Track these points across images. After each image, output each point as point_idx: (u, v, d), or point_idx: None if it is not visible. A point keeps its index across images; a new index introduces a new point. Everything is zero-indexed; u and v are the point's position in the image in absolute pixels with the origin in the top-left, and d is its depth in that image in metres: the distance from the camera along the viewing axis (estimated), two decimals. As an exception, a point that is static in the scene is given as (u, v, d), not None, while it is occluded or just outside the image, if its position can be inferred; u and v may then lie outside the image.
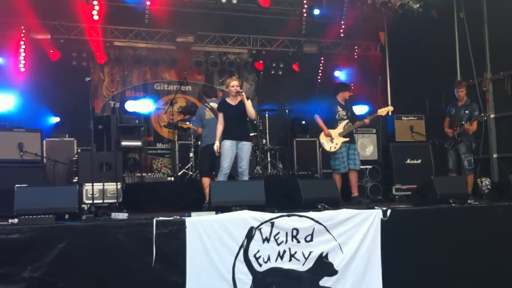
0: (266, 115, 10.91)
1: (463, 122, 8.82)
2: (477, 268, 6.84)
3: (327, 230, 6.43)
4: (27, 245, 5.38)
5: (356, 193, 8.49)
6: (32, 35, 10.92)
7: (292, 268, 6.21)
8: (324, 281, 6.29)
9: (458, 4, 10.68)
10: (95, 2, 10.50)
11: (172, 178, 10.10)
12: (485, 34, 10.25)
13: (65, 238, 5.54)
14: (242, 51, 13.05)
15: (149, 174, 10.89)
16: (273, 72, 13.16)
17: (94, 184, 7.15)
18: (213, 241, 5.96)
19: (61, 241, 5.51)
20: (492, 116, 10.13)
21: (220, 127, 7.54)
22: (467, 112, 8.91)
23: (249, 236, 6.11)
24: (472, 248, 6.86)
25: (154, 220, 5.84)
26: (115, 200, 7.46)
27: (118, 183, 7.58)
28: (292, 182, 7.60)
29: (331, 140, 8.38)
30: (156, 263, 5.74)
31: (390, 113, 9.45)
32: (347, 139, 8.39)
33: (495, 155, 10.14)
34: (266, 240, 6.19)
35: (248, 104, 7.55)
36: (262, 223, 6.18)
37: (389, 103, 12.31)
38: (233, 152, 7.43)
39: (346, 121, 8.46)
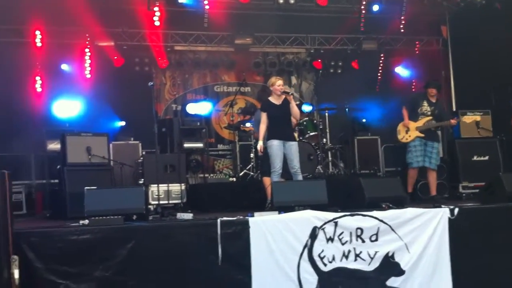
0: (326, 114, 10.82)
1: None
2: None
3: (393, 230, 6.36)
4: (98, 245, 5.60)
5: (434, 192, 8.23)
6: (97, 42, 11.24)
7: (357, 268, 6.18)
8: (392, 281, 6.23)
9: (523, -5, 10.25)
10: (156, 8, 10.70)
11: (234, 179, 10.19)
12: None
13: (134, 238, 5.72)
14: (300, 50, 12.99)
15: (212, 175, 11.02)
16: (332, 70, 13.03)
17: (159, 185, 7.29)
18: (277, 241, 6.00)
19: (130, 241, 5.69)
20: None
21: (263, 127, 7.51)
22: None
23: (313, 235, 6.12)
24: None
25: (219, 220, 5.93)
26: (179, 201, 7.59)
27: (182, 184, 7.71)
28: (355, 181, 7.54)
29: (406, 131, 8.20)
30: (222, 262, 5.83)
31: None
32: (422, 135, 8.16)
33: None
34: (330, 239, 6.18)
35: (294, 104, 7.53)
36: (325, 223, 6.18)
37: (453, 98, 11.96)
38: (282, 152, 7.39)
39: (429, 118, 8.22)
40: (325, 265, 6.09)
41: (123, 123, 10.92)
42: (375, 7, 11.46)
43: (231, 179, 10.37)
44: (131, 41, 11.60)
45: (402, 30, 12.08)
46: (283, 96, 7.55)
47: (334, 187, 7.46)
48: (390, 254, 6.25)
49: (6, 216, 5.02)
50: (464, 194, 9.14)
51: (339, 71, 13.04)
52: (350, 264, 6.16)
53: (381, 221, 6.34)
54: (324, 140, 10.31)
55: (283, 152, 7.43)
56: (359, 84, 12.38)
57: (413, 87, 12.74)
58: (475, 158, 9.38)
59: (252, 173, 9.79)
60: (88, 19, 10.42)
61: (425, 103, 8.26)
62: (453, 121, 8.29)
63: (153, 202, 7.35)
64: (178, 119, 10.00)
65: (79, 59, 11.24)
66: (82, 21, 10.47)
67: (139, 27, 11.40)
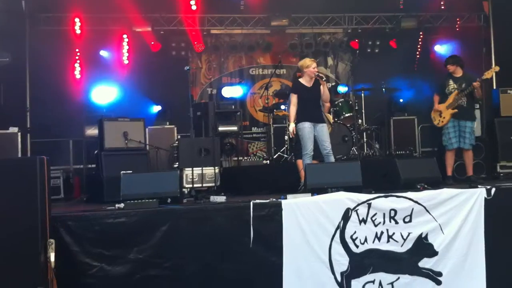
0: (362, 94, 10.70)
1: None
2: None
3: (427, 211, 6.28)
4: (133, 229, 5.72)
5: (470, 172, 8.08)
6: (134, 28, 11.38)
7: (390, 250, 6.14)
8: (424, 262, 6.17)
9: None
10: (192, -8, 10.76)
11: (268, 161, 10.22)
12: None
13: (168, 221, 5.82)
14: (337, 30, 12.83)
15: (245, 158, 11.06)
16: (369, 50, 12.82)
17: (194, 168, 7.38)
18: (309, 223, 6.01)
19: (164, 224, 5.80)
20: None
21: (293, 109, 7.45)
22: None
23: (346, 217, 6.10)
24: None
25: (251, 203, 5.98)
26: (213, 184, 7.67)
27: (216, 168, 7.78)
28: (390, 162, 7.45)
29: (440, 115, 8.06)
30: (254, 244, 5.90)
31: (494, 75, 8.81)
32: (455, 110, 7.99)
33: None
34: (363, 221, 6.14)
35: (326, 87, 7.49)
36: (358, 204, 6.15)
37: (494, 75, 11.61)
38: (313, 134, 7.37)
39: (456, 92, 8.05)
40: (357, 246, 6.07)
41: (159, 108, 11.08)
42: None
43: (264, 161, 10.40)
44: (168, 26, 11.71)
45: (442, 7, 11.78)
46: (314, 78, 7.50)
47: (369, 168, 7.40)
48: (423, 235, 6.18)
49: (44, 201, 5.15)
50: (502, 174, 8.96)
51: (377, 50, 12.81)
52: (383, 245, 6.12)
53: (416, 202, 6.27)
54: (360, 121, 10.21)
55: (314, 134, 7.40)
56: (397, 64, 12.16)
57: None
58: (514, 137, 9.15)
59: (286, 156, 9.80)
60: (125, 5, 10.58)
61: (451, 82, 8.12)
62: (475, 84, 8.01)
63: (187, 186, 7.44)
64: (213, 103, 10.05)
65: (117, 45, 11.43)
66: (120, 7, 10.62)
67: (175, 11, 11.49)
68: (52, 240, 5.09)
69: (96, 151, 8.14)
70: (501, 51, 11.73)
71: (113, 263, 5.54)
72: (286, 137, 9.87)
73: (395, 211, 6.21)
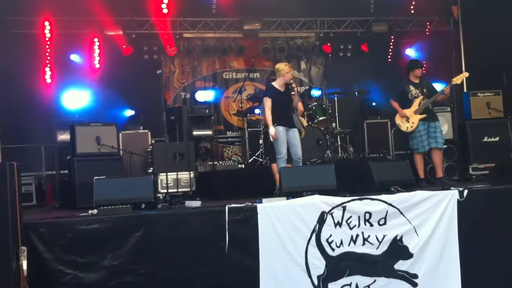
0: (335, 98, 10.77)
1: None
2: None
3: (401, 213, 6.34)
4: (107, 235, 5.66)
5: (440, 174, 8.13)
6: (105, 31, 11.24)
7: (366, 252, 6.18)
8: (399, 264, 6.22)
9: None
10: (164, -5, 10.68)
11: (243, 166, 10.20)
12: None
13: (142, 226, 5.78)
14: (310, 34, 12.89)
15: (221, 162, 11.03)
16: (341, 54, 12.92)
17: (168, 173, 7.32)
18: (285, 227, 6.02)
19: (138, 229, 5.75)
20: None
21: (269, 112, 7.46)
22: None
23: (321, 220, 6.12)
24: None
25: (227, 207, 5.97)
26: (188, 189, 7.62)
27: (191, 172, 7.73)
28: (364, 165, 7.51)
29: (407, 120, 8.10)
30: (229, 248, 5.88)
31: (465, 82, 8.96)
32: (424, 115, 8.08)
33: None
34: (338, 224, 6.18)
35: (297, 96, 7.64)
36: (333, 208, 6.18)
37: (464, 79, 11.81)
38: (285, 138, 7.42)
39: (421, 97, 8.13)
40: (333, 249, 6.09)
41: (132, 112, 10.96)
42: (386, -12, 11.31)
43: (240, 166, 10.38)
44: (139, 29, 11.62)
45: (412, 11, 11.95)
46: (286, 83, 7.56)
47: (343, 171, 7.43)
48: (398, 238, 6.24)
49: (15, 208, 5.08)
50: (474, 176, 9.02)
51: (349, 54, 12.92)
52: (358, 248, 6.16)
53: (390, 204, 6.32)
54: (333, 124, 10.26)
55: (287, 139, 7.44)
56: (369, 67, 12.31)
57: (423, 69, 12.59)
58: (485, 139, 9.25)
59: (261, 160, 9.79)
60: (96, 8, 10.44)
61: (412, 87, 8.13)
62: (446, 89, 8.12)
63: (162, 191, 7.37)
64: (187, 107, 10.02)
65: (88, 49, 11.27)
66: (91, 10, 10.49)
67: (147, 15, 11.39)
68: (24, 248, 5.02)
69: (68, 157, 8.01)
70: (471, 55, 11.93)
71: (86, 270, 5.48)
72: (261, 141, 9.86)
73: (370, 214, 6.26)
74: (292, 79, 7.58)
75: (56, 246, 5.43)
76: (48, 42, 10.65)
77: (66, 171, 8.37)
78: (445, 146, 8.58)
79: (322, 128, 9.51)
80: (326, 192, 6.40)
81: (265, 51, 12.48)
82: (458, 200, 6.45)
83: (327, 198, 6.24)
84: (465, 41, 12.15)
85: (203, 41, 12.31)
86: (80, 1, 10.03)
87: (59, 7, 10.30)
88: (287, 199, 6.35)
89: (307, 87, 12.55)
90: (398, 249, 6.22)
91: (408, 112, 8.08)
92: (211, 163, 10.33)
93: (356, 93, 10.66)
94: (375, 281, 6.16)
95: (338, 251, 6.10)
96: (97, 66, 11.22)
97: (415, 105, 8.07)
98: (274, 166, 7.72)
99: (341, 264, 6.08)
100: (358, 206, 6.25)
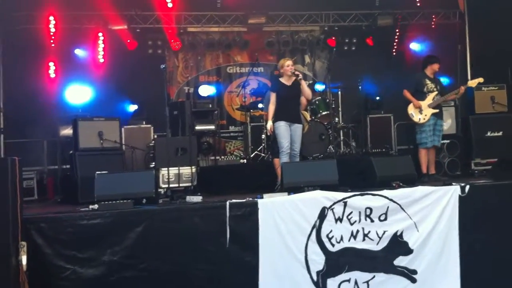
0: (339, 92, 10.73)
1: None
2: None
3: (402, 209, 6.33)
4: (107, 230, 5.69)
5: (433, 170, 8.13)
6: (110, 26, 11.25)
7: (366, 248, 6.19)
8: (399, 260, 6.22)
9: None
10: (169, -11, 10.67)
11: (245, 161, 10.18)
12: None
13: (143, 221, 5.81)
14: (314, 28, 12.82)
15: (223, 157, 10.98)
16: (346, 48, 12.82)
17: (170, 168, 7.32)
18: (285, 222, 6.03)
19: (139, 224, 5.78)
20: None
21: (272, 107, 7.49)
22: None
23: (322, 216, 6.12)
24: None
25: (228, 203, 5.99)
26: (190, 184, 7.61)
27: (193, 167, 7.72)
28: (366, 161, 7.47)
29: (420, 111, 8.07)
30: (230, 244, 5.90)
31: None
32: (437, 110, 8.05)
33: None
34: (339, 220, 6.18)
35: (304, 84, 7.50)
36: (334, 203, 6.19)
37: (469, 72, 11.73)
38: (288, 133, 7.40)
39: (435, 93, 8.09)
40: (333, 245, 6.10)
41: (135, 107, 10.98)
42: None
43: (242, 161, 10.36)
44: (144, 24, 11.59)
45: (418, 4, 11.85)
46: (293, 77, 7.51)
47: (346, 166, 7.41)
48: (398, 233, 6.24)
49: (16, 203, 5.11)
50: (476, 171, 9.00)
51: (353, 48, 12.82)
52: (358, 244, 6.16)
53: (391, 200, 6.32)
54: (336, 119, 10.22)
55: (289, 133, 7.42)
56: (373, 61, 12.22)
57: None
58: (488, 134, 9.20)
59: (263, 155, 9.79)
60: (101, 2, 10.46)
61: (427, 81, 8.14)
62: (461, 90, 8.10)
63: (163, 186, 7.37)
64: (190, 102, 9.97)
65: (93, 43, 11.26)
66: (95, 5, 10.50)
67: (152, 9, 11.38)
68: (24, 243, 5.06)
69: (70, 151, 8.03)
70: (476, 48, 11.85)
71: (86, 265, 5.51)
72: (263, 136, 9.86)
73: (371, 210, 6.26)
74: (293, 70, 7.50)
75: (56, 241, 5.46)
76: (53, 37, 10.65)
77: (68, 166, 8.39)
78: (448, 141, 8.54)
79: (325, 123, 9.48)
80: (327, 187, 6.39)
81: (269, 45, 12.43)
82: (459, 195, 6.43)
83: (328, 193, 6.23)
84: (471, 34, 12.05)
85: (207, 35, 12.29)
86: (84, -5, 10.04)
87: (64, 2, 10.31)
88: (288, 194, 6.34)
89: (311, 81, 12.46)
90: (398, 245, 6.22)
91: (422, 104, 8.04)
92: (213, 158, 10.31)
93: (359, 87, 10.58)
94: (374, 276, 6.17)
95: (338, 247, 6.11)
96: (101, 60, 11.22)
97: (429, 99, 8.05)
98: (276, 161, 7.71)
99: (340, 260, 6.09)
100: (359, 201, 6.25)
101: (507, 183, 6.79)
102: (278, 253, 5.95)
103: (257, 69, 12.33)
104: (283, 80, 7.61)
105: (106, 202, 5.98)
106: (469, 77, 11.12)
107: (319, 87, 11.08)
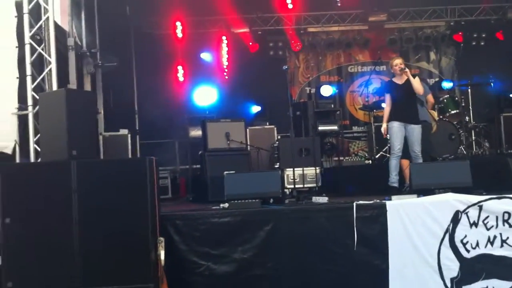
0: (469, 90, 10.23)
1: None
2: None
3: (545, 214, 5.87)
4: (238, 228, 5.83)
5: None
6: (233, 29, 11.61)
7: (504, 255, 5.84)
8: (542, 269, 5.78)
9: None
10: (289, -9, 10.77)
11: (370, 161, 10.01)
12: None
13: (271, 221, 5.88)
14: (439, 23, 12.37)
15: (346, 158, 10.89)
16: (474, 43, 12.25)
17: (295, 169, 7.36)
18: (415, 225, 5.84)
19: (267, 224, 5.86)
20: None
21: (387, 109, 7.32)
22: None
23: (455, 220, 5.86)
24: None
25: (354, 204, 5.89)
26: (314, 185, 7.61)
27: (317, 168, 7.71)
28: (502, 162, 7.08)
29: None
30: (357, 246, 5.80)
31: None
32: None
33: None
34: (474, 224, 5.88)
35: (414, 81, 7.14)
36: (468, 207, 5.90)
37: None
38: (402, 134, 7.15)
39: None
40: (467, 251, 5.81)
41: (258, 108, 11.19)
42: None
43: (367, 161, 10.20)
44: (265, 26, 11.86)
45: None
46: (405, 76, 7.24)
47: (479, 168, 7.03)
48: (541, 241, 5.80)
49: (154, 201, 5.37)
50: None
51: (482, 43, 12.21)
52: (496, 250, 5.82)
53: (532, 204, 5.89)
54: (467, 118, 9.76)
55: (405, 135, 7.19)
56: (504, 56, 11.51)
57: None
58: None
59: (388, 155, 9.53)
60: (224, 7, 10.79)
61: None
62: None
63: (288, 186, 7.42)
64: (312, 102, 10.01)
65: (217, 47, 11.67)
66: (219, 9, 10.85)
67: (272, 11, 11.57)
68: (162, 238, 5.29)
69: (200, 152, 8.35)
70: None
71: (219, 262, 5.68)
72: (388, 136, 9.61)
73: (509, 214, 5.90)
74: (403, 67, 7.22)
75: (190, 238, 5.69)
76: (180, 42, 11.14)
77: (198, 166, 8.71)
78: None
79: (455, 122, 9.09)
80: (460, 190, 6.09)
81: (391, 42, 12.17)
82: None
83: (461, 196, 5.95)
84: None
85: (327, 35, 12.28)
86: (209, 1, 10.37)
87: (189, 7, 10.75)
88: (417, 196, 6.14)
89: (437, 79, 12.03)
90: (542, 253, 5.79)
91: None
92: (336, 158, 10.25)
93: (491, 84, 10.01)
94: (514, 286, 5.79)
95: (473, 253, 5.81)
96: (226, 63, 11.58)
97: None
98: (403, 161, 7.48)
99: (476, 267, 5.79)
100: (496, 205, 5.90)
101: None
102: (408, 257, 5.76)
103: (379, 67, 12.08)
104: (395, 79, 7.39)
105: (236, 201, 6.15)
106: None
107: (447, 84, 10.66)
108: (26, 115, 6.33)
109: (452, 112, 9.32)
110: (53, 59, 6.50)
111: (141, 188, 5.28)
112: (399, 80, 7.36)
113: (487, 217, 5.87)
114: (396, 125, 7.20)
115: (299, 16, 11.89)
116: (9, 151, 6.22)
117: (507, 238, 5.85)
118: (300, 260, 5.85)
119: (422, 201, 5.98)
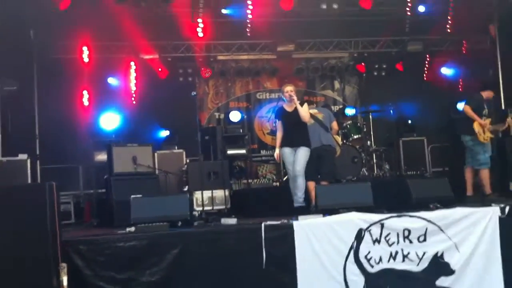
0: (370, 117, 10.70)
1: None
2: None
3: (441, 230, 6.23)
4: (144, 252, 5.69)
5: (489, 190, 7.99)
6: (142, 55, 11.47)
7: (406, 269, 6.08)
8: (441, 281, 6.10)
9: None
10: (199, 20, 10.81)
11: (278, 183, 10.16)
12: None
13: (179, 244, 5.79)
14: (344, 55, 12.87)
15: (255, 180, 11.02)
16: (376, 73, 12.87)
17: (203, 192, 7.35)
18: (322, 244, 5.96)
19: (175, 247, 5.77)
20: None
21: (279, 134, 7.52)
22: None
23: (359, 237, 6.05)
24: None
25: (263, 225, 5.94)
26: (223, 207, 7.64)
27: (226, 190, 7.75)
28: (401, 183, 7.42)
29: (484, 132, 7.96)
30: (266, 265, 5.83)
31: None
32: (492, 136, 7.98)
33: None
34: (377, 241, 6.09)
35: (301, 109, 7.28)
36: (371, 225, 6.11)
37: (502, 97, 11.59)
38: (292, 158, 7.34)
39: (489, 119, 8.04)
40: (372, 266, 6.00)
41: (167, 133, 11.09)
42: (421, 8, 11.17)
43: (274, 183, 10.35)
44: (175, 53, 11.78)
45: (448, 30, 11.81)
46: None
47: (380, 189, 7.36)
48: (439, 254, 6.11)
49: (55, 226, 5.17)
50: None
51: (383, 73, 12.86)
52: (398, 265, 6.05)
53: (429, 221, 6.21)
54: (369, 142, 10.18)
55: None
56: (404, 86, 12.18)
57: (459, 87, 12.44)
58: (525, 155, 9.07)
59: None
60: (133, 33, 10.65)
61: (485, 106, 8.07)
62: (509, 121, 8.10)
63: (197, 209, 7.40)
64: (221, 127, 10.08)
65: (125, 72, 11.49)
66: (127, 35, 10.71)
67: (183, 38, 11.56)
68: (64, 264, 5.10)
69: (105, 176, 8.13)
70: (508, 73, 11.73)
71: (127, 285, 5.51)
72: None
73: (409, 231, 6.16)
74: (291, 95, 7.31)
75: (95, 263, 5.47)
76: (86, 66, 10.87)
77: (103, 190, 8.48)
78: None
79: (357, 146, 9.45)
80: (363, 209, 6.31)
81: (298, 71, 12.52)
82: (499, 217, 6.29)
83: (364, 215, 6.16)
84: (503, 60, 11.94)
85: (237, 63, 12.44)
86: (117, 26, 10.24)
87: (97, 32, 10.53)
88: (323, 216, 6.28)
89: (341, 106, 12.49)
90: (439, 266, 6.09)
91: (487, 125, 7.93)
92: (245, 181, 10.33)
93: (391, 111, 10.55)
94: (416, 297, 6.03)
95: (377, 268, 6.01)
96: (134, 88, 11.42)
97: (487, 122, 7.95)
98: (309, 183, 7.66)
99: (380, 281, 5.99)
100: (396, 223, 6.16)
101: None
102: (316, 274, 5.86)
103: (286, 95, 12.35)
104: (286, 106, 7.55)
105: (142, 225, 6.01)
106: (502, 101, 11.00)
107: (350, 111, 11.08)
108: None
109: (355, 137, 9.68)
110: None
111: (41, 214, 5.11)
112: (289, 108, 7.50)
113: (389, 234, 6.10)
114: (287, 151, 7.39)
115: (209, 44, 11.96)
116: None
117: (408, 253, 6.10)
118: (210, 282, 5.79)
119: (327, 221, 6.13)
